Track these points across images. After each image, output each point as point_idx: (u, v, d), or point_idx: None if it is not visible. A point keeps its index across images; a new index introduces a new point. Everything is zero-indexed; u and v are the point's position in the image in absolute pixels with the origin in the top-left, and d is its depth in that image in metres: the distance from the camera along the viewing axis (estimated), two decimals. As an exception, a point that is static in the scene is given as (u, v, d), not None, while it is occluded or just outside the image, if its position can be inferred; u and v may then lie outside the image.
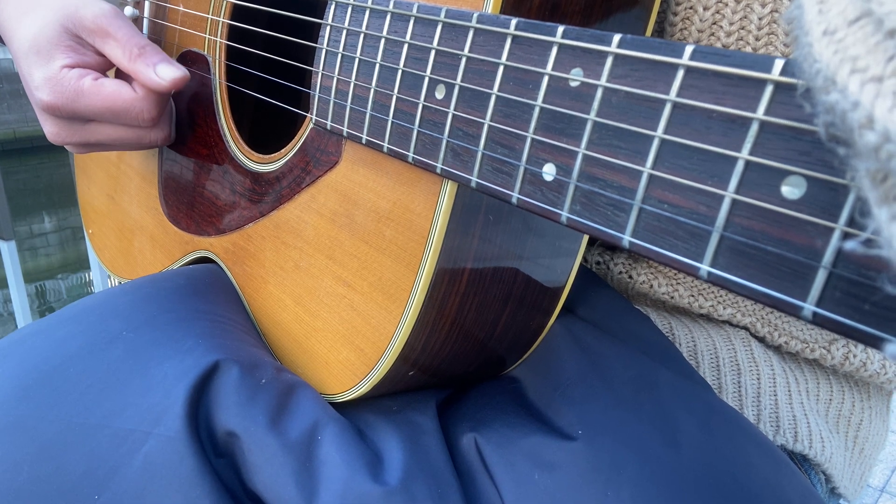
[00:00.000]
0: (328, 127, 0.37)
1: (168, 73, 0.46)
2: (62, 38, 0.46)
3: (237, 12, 0.50)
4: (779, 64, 0.18)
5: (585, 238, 0.39)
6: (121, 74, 0.49)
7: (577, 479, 0.33)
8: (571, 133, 0.24)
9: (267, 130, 0.56)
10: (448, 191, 0.32)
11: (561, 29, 0.24)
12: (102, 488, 0.33)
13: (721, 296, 0.45)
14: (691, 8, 0.39)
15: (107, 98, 0.46)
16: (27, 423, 0.34)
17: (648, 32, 0.35)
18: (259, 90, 0.49)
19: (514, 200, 0.26)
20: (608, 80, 0.22)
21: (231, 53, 0.51)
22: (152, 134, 0.50)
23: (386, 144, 0.32)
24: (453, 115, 0.29)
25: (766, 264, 0.18)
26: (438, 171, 0.30)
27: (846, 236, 0.16)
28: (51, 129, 0.49)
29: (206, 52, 0.52)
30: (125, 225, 0.64)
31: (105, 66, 0.49)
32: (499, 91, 0.26)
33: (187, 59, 0.54)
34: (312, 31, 0.38)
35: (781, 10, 0.37)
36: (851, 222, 0.16)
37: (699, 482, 0.34)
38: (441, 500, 0.33)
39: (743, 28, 0.38)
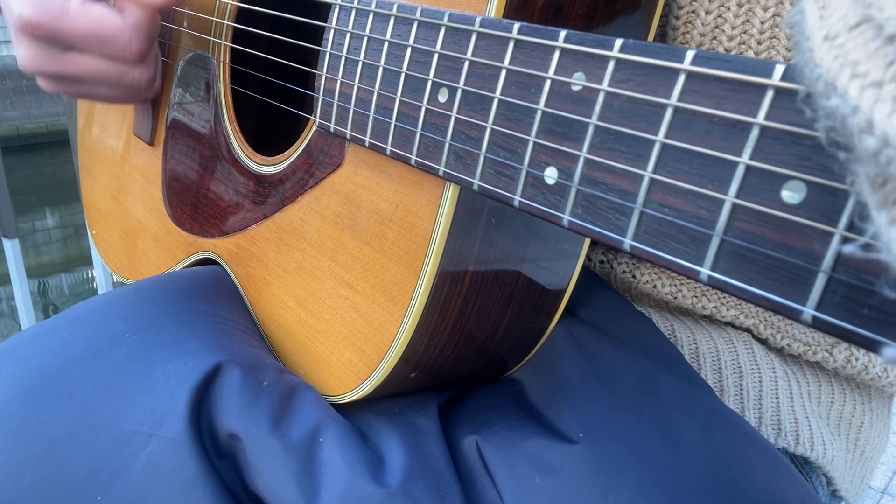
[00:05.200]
0: (331, 129, 0.37)
1: None
2: None
3: (241, 15, 0.51)
4: (779, 69, 0.18)
5: (587, 241, 0.39)
6: None
7: (577, 482, 0.33)
8: (573, 137, 0.24)
9: (270, 132, 0.56)
10: (450, 193, 0.32)
11: (563, 33, 0.24)
12: (105, 490, 0.33)
13: (724, 297, 0.45)
14: (693, 12, 0.39)
15: (93, 21, 0.43)
16: (31, 425, 0.35)
17: (651, 36, 0.35)
18: (263, 92, 0.49)
19: (515, 204, 0.26)
20: (610, 85, 0.22)
21: (235, 56, 0.51)
22: (136, 72, 0.47)
23: (389, 147, 0.33)
24: (456, 119, 0.29)
25: (766, 268, 0.18)
26: (441, 173, 0.30)
27: (845, 240, 0.16)
28: (25, 54, 0.45)
29: (210, 55, 0.52)
30: (129, 226, 0.65)
31: None
32: (501, 95, 0.27)
33: (192, 61, 0.55)
34: (316, 34, 0.38)
35: (783, 14, 0.37)
36: (851, 226, 0.16)
37: (700, 486, 0.34)
38: (442, 502, 0.33)
39: (745, 32, 0.38)
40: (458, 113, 0.29)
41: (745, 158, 0.19)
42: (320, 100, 0.37)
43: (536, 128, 0.25)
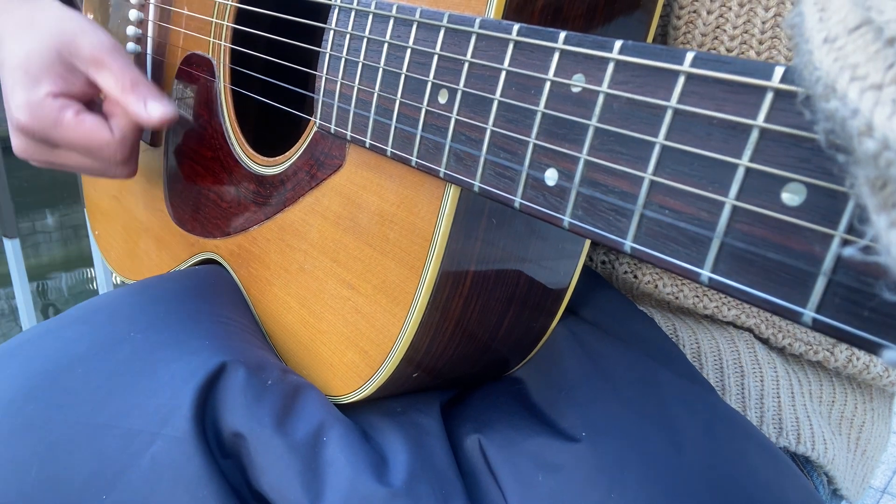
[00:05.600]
0: (332, 131, 0.37)
1: (157, 110, 0.47)
2: (54, 65, 0.47)
3: (241, 16, 0.51)
4: (779, 71, 0.18)
5: (588, 241, 0.39)
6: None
7: (580, 481, 0.33)
8: (573, 139, 0.24)
9: (271, 133, 0.56)
10: (451, 194, 0.32)
11: (563, 35, 0.24)
12: (110, 488, 0.33)
13: (725, 297, 0.45)
14: (695, 12, 0.39)
15: (83, 135, 0.47)
16: (35, 424, 0.35)
17: (651, 37, 0.35)
18: (263, 93, 0.49)
19: (516, 205, 0.26)
20: (610, 87, 0.23)
21: (235, 57, 0.51)
22: (118, 170, 0.51)
23: (389, 149, 0.33)
24: (456, 120, 0.29)
25: (767, 270, 0.18)
26: (441, 175, 0.30)
27: (845, 243, 0.16)
28: (18, 144, 0.49)
29: (210, 55, 0.52)
30: (131, 226, 0.65)
31: (90, 96, 0.49)
32: (501, 96, 0.27)
33: (191, 61, 0.55)
34: (316, 35, 0.38)
35: (784, 14, 0.37)
36: (850, 229, 0.16)
37: (701, 484, 0.34)
38: (445, 501, 0.33)
39: (746, 32, 0.38)
40: (458, 114, 0.29)
41: (745, 160, 0.19)
42: (320, 101, 0.37)
43: (536, 129, 0.25)
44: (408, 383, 0.39)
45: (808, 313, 0.17)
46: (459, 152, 0.29)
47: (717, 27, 0.39)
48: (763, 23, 0.38)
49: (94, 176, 0.54)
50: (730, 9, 0.38)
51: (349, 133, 0.35)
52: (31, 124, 0.46)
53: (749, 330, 0.46)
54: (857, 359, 0.45)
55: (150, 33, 0.60)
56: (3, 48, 0.49)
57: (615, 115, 0.22)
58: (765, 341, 0.46)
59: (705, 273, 0.20)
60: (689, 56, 0.20)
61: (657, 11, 0.34)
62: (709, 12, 0.39)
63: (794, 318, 0.18)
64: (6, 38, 0.49)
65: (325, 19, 0.37)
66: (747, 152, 0.19)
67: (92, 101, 0.50)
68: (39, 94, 0.46)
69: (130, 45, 0.59)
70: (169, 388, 0.36)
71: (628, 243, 0.22)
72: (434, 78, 0.30)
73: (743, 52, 0.39)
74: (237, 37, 0.51)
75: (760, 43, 0.38)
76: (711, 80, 0.20)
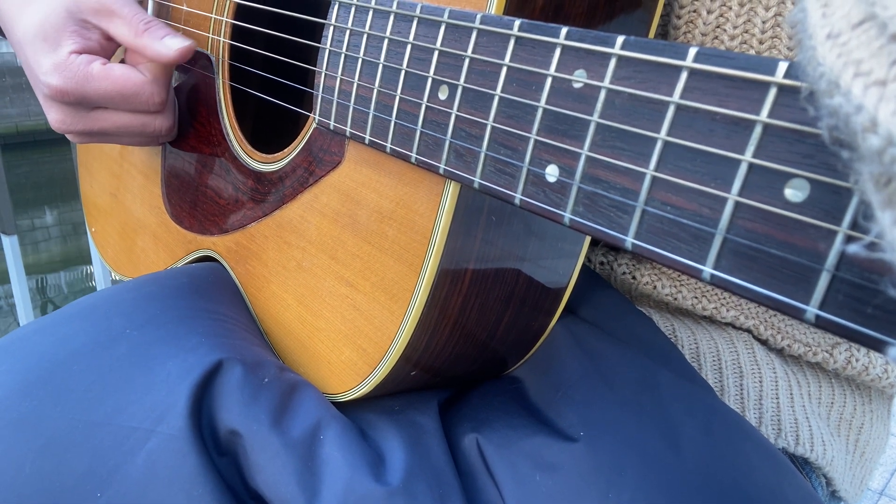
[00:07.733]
0: (331, 127, 0.37)
1: (175, 43, 0.47)
2: (67, 24, 0.47)
3: (240, 12, 0.51)
4: (782, 67, 0.18)
5: (587, 240, 0.39)
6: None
7: (578, 481, 0.33)
8: (574, 134, 0.24)
9: (270, 130, 0.56)
10: (451, 191, 0.32)
11: (564, 30, 0.24)
12: (105, 486, 0.33)
13: (724, 298, 0.45)
14: (695, 11, 0.39)
15: (116, 81, 0.47)
16: (30, 420, 0.35)
17: (651, 36, 0.35)
18: (262, 90, 0.49)
19: (516, 201, 0.26)
20: (611, 82, 0.22)
21: (234, 53, 0.51)
22: (157, 121, 0.50)
23: (389, 145, 0.32)
24: (456, 116, 0.29)
25: (769, 267, 0.18)
26: (441, 171, 0.30)
27: (849, 240, 0.16)
28: (55, 116, 0.49)
29: (209, 52, 0.52)
30: (128, 223, 0.65)
31: (111, 51, 0.49)
32: (502, 92, 0.26)
33: (190, 58, 0.55)
34: (315, 31, 0.38)
35: (785, 13, 0.37)
36: (854, 226, 0.16)
37: (700, 484, 0.34)
38: (442, 500, 0.33)
39: (746, 31, 0.38)
40: (458, 110, 0.28)
41: (747, 156, 0.19)
42: (320, 97, 0.37)
43: (537, 125, 0.25)
44: (406, 382, 0.38)
45: (812, 310, 0.17)
46: (459, 148, 0.29)
47: (718, 27, 0.39)
48: (763, 22, 0.38)
49: (136, 139, 0.52)
50: (730, 8, 0.38)
51: (348, 129, 0.35)
52: (64, 84, 0.46)
53: (748, 331, 0.46)
54: (857, 360, 0.45)
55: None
56: (14, 31, 0.49)
57: (617, 110, 0.22)
58: (764, 342, 0.46)
59: (707, 270, 0.20)
60: (692, 51, 0.20)
61: (658, 10, 0.34)
62: (709, 12, 0.39)
63: (797, 315, 0.17)
64: (12, 18, 0.49)
65: (325, 15, 0.37)
66: (750, 148, 0.19)
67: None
68: (63, 54, 0.46)
69: None
70: (165, 385, 0.36)
71: (629, 240, 0.22)
72: (434, 74, 0.30)
73: (743, 52, 0.39)
74: (236, 33, 0.51)
75: (761, 43, 0.38)
76: (714, 75, 0.20)
